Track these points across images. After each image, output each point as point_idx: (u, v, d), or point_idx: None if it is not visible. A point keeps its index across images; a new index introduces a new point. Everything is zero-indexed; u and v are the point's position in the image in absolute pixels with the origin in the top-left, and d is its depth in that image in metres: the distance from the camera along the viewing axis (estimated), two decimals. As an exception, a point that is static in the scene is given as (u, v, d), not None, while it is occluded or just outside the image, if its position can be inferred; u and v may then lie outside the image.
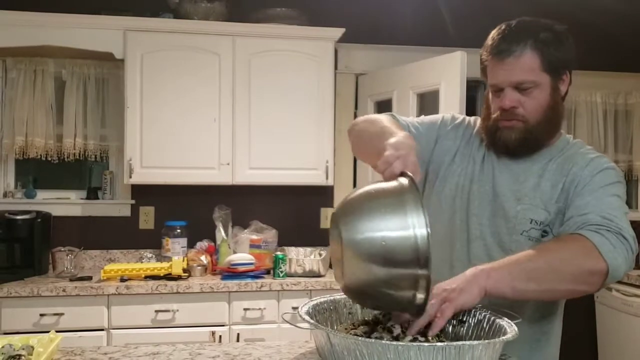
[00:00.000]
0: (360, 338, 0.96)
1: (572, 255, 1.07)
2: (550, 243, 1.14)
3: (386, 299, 0.99)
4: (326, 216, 3.31)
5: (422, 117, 1.43)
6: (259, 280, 2.67)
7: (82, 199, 3.12)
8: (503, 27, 1.21)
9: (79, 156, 3.03)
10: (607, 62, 3.52)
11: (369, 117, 1.44)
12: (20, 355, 1.00)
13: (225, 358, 1.12)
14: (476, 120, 1.37)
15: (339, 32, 2.97)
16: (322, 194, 3.27)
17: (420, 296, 0.96)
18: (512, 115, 1.20)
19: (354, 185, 3.33)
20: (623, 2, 3.43)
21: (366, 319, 1.21)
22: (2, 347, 1.05)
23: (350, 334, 1.08)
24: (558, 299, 1.26)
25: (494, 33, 1.22)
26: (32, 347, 1.05)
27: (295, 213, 3.26)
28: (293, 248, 3.04)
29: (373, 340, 0.96)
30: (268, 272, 2.81)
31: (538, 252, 1.09)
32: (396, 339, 1.03)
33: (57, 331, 1.19)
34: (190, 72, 2.85)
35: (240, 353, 1.16)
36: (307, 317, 1.07)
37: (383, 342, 0.93)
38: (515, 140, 1.22)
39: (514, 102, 1.19)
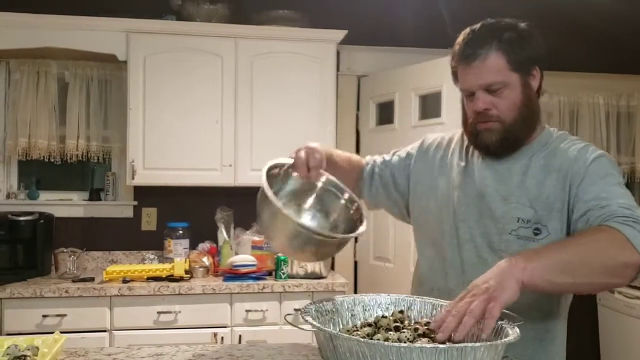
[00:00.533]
0: (362, 339, 0.96)
1: (605, 248, 1.05)
2: (581, 236, 1.10)
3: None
4: (328, 218, 3.31)
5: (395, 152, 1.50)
6: (261, 282, 2.67)
7: (84, 200, 3.13)
8: (467, 31, 1.23)
9: (82, 157, 3.04)
10: (610, 64, 3.52)
11: None
12: (25, 356, 1.00)
13: (228, 359, 1.12)
14: (454, 134, 1.41)
15: (341, 34, 2.98)
16: (324, 196, 3.27)
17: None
18: (487, 117, 1.22)
19: (356, 186, 3.33)
20: (625, 3, 3.43)
21: (368, 320, 1.21)
22: (8, 347, 1.05)
23: (353, 335, 1.08)
24: (593, 292, 1.23)
25: (459, 39, 1.24)
26: (37, 348, 1.06)
27: (297, 214, 3.25)
28: (295, 249, 3.04)
29: (375, 341, 0.96)
30: (270, 274, 2.81)
31: (570, 245, 1.07)
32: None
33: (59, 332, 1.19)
34: (192, 73, 2.86)
35: (244, 354, 1.16)
36: (309, 319, 1.08)
37: (385, 343, 0.94)
38: (495, 141, 1.23)
39: (486, 104, 1.21)
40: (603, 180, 1.17)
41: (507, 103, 1.21)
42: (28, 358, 1.02)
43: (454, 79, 1.28)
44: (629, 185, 3.69)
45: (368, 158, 1.53)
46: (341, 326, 1.22)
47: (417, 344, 0.96)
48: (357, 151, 3.32)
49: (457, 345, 0.92)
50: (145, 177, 2.84)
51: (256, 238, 2.93)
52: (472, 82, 1.21)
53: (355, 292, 3.22)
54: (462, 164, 1.33)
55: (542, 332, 1.27)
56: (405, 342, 1.00)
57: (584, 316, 3.44)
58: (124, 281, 2.61)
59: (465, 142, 1.35)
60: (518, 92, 1.21)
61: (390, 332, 1.08)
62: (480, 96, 1.21)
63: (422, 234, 1.42)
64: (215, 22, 2.93)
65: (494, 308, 0.96)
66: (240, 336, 2.63)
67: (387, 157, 1.49)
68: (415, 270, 1.48)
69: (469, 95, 1.24)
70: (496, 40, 1.19)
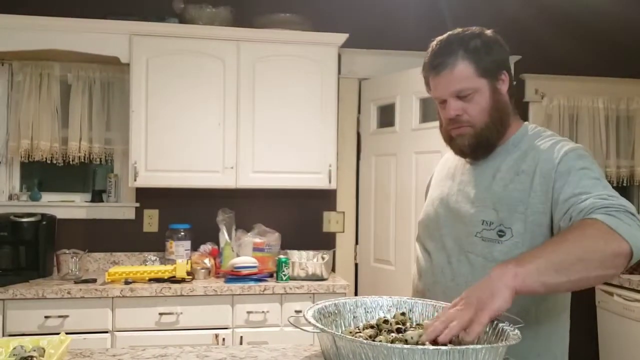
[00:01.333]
0: (365, 341, 0.97)
1: (594, 242, 1.04)
2: (567, 232, 1.08)
3: None
4: (329, 220, 3.33)
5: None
6: (262, 284, 2.69)
7: (86, 201, 3.14)
8: (435, 42, 1.29)
9: (84, 159, 3.05)
10: (609, 68, 3.53)
11: None
12: (32, 357, 1.01)
13: (231, 360, 1.14)
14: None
15: (342, 37, 2.99)
16: (325, 198, 3.29)
17: None
18: (459, 123, 1.28)
19: (357, 189, 3.35)
20: (625, 7, 3.45)
21: (371, 322, 1.22)
22: (14, 348, 1.07)
23: (355, 337, 1.09)
24: (590, 286, 1.17)
25: (428, 50, 1.29)
26: (43, 349, 1.07)
27: (298, 216, 3.27)
28: (296, 251, 3.05)
29: (378, 343, 0.97)
30: (271, 275, 2.83)
31: (559, 244, 1.06)
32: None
33: (62, 333, 1.20)
34: (194, 76, 2.88)
35: (247, 356, 1.17)
36: (312, 320, 1.09)
37: (388, 345, 0.95)
38: (468, 145, 1.29)
39: (457, 110, 1.26)
40: (576, 176, 1.16)
41: (477, 108, 1.26)
42: (35, 359, 1.03)
43: (427, 89, 1.33)
44: (629, 188, 3.70)
45: None
46: (343, 328, 1.23)
47: (420, 346, 0.97)
48: (358, 153, 3.33)
49: (459, 347, 0.93)
50: (147, 178, 2.85)
51: (257, 240, 2.95)
52: (443, 90, 1.27)
53: (356, 294, 3.24)
54: (452, 170, 1.40)
55: (543, 330, 1.26)
56: (412, 341, 1.02)
57: (582, 319, 3.43)
58: (126, 282, 2.62)
59: None
60: (487, 96, 1.26)
61: (393, 334, 1.09)
62: (452, 103, 1.27)
63: (420, 236, 1.47)
64: (217, 25, 2.95)
65: (482, 316, 0.98)
66: (241, 337, 2.64)
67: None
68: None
69: (441, 103, 1.30)
70: (462, 49, 1.25)
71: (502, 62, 1.28)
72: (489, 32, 1.28)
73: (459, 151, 1.32)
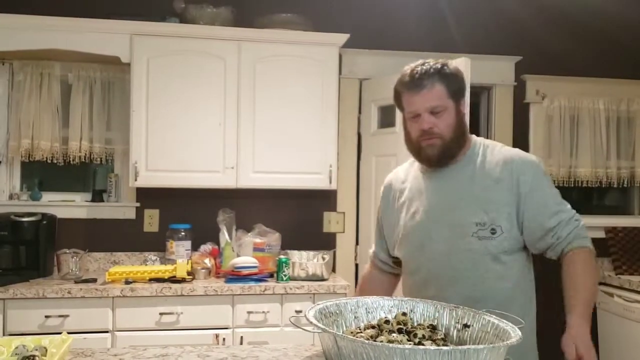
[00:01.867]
0: (367, 341, 0.97)
1: (594, 268, 1.48)
2: (580, 272, 1.44)
3: None
4: (329, 220, 3.33)
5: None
6: (263, 284, 2.69)
7: (87, 201, 3.14)
8: (414, 67, 1.52)
9: (85, 159, 3.05)
10: (610, 69, 3.53)
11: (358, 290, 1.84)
12: (34, 356, 1.02)
13: (233, 360, 1.14)
14: (397, 171, 1.71)
15: (343, 37, 2.99)
16: (325, 198, 3.29)
17: None
18: (430, 134, 1.49)
19: (357, 189, 3.35)
20: (626, 7, 3.45)
21: (372, 322, 1.22)
22: (16, 347, 1.07)
23: (357, 337, 1.09)
24: None
25: (406, 72, 1.52)
26: (45, 348, 1.07)
27: (299, 217, 3.27)
28: (296, 252, 3.05)
29: (380, 343, 0.98)
30: (271, 276, 2.83)
31: (582, 285, 1.42)
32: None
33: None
34: (195, 76, 2.88)
35: (248, 355, 1.17)
36: (314, 320, 1.09)
37: (390, 345, 0.95)
38: (437, 154, 1.51)
39: (430, 123, 1.48)
40: (541, 186, 1.50)
41: (445, 123, 1.49)
42: (37, 358, 1.03)
43: (397, 103, 1.56)
44: (629, 189, 3.71)
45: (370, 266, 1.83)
46: (344, 328, 1.23)
47: (421, 346, 0.97)
48: (359, 153, 3.34)
49: (460, 347, 0.94)
50: (148, 178, 2.85)
51: (258, 240, 2.95)
52: (419, 106, 1.49)
53: (356, 294, 3.23)
54: (414, 186, 1.60)
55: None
56: (423, 341, 1.02)
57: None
58: (127, 282, 2.62)
59: (413, 167, 1.65)
60: (453, 115, 1.51)
61: (394, 334, 1.09)
62: (426, 117, 1.49)
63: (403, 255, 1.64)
64: (218, 25, 2.95)
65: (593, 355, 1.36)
66: (241, 337, 2.64)
67: (374, 243, 1.79)
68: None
69: (414, 117, 1.51)
70: (438, 74, 1.49)
71: (463, 90, 1.56)
72: (452, 64, 1.54)
73: (427, 159, 1.54)
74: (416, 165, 1.64)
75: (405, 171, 1.68)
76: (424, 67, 1.50)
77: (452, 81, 1.51)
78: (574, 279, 1.43)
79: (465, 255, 1.47)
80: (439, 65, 1.51)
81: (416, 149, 1.54)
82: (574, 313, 1.37)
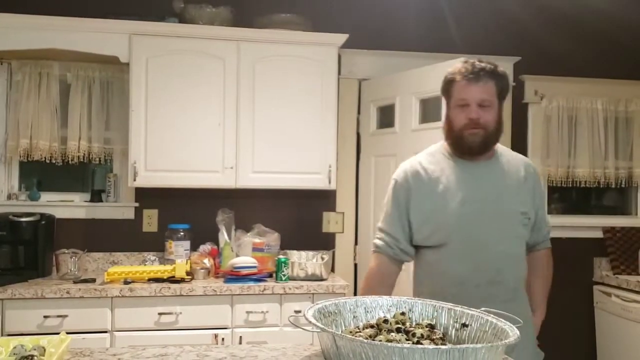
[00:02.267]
0: (366, 340, 0.98)
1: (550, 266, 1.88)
2: (547, 268, 1.87)
3: None
4: (328, 220, 3.33)
5: (386, 210, 1.79)
6: (262, 284, 2.69)
7: (85, 201, 3.14)
8: (473, 60, 1.67)
9: (83, 159, 3.05)
10: (608, 69, 3.54)
11: (368, 286, 1.78)
12: (32, 356, 1.02)
13: (232, 360, 1.14)
14: (418, 161, 1.75)
15: (342, 37, 3.00)
16: (324, 198, 3.29)
17: None
18: (476, 124, 1.62)
19: (357, 189, 3.35)
20: (624, 8, 3.46)
21: (371, 322, 1.22)
22: (14, 347, 1.07)
23: (356, 336, 1.10)
24: None
25: (465, 64, 1.66)
26: (43, 348, 1.07)
27: (298, 217, 3.28)
28: (295, 252, 3.05)
29: (379, 342, 0.98)
30: (270, 276, 2.83)
31: (542, 284, 1.85)
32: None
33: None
34: (194, 76, 2.88)
35: (247, 355, 1.17)
36: (313, 320, 1.09)
37: (388, 344, 0.95)
38: (479, 143, 1.65)
39: (478, 114, 1.62)
40: (541, 193, 1.81)
41: (489, 117, 1.64)
42: (35, 358, 1.03)
43: (446, 89, 1.69)
44: (627, 189, 3.71)
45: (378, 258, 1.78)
46: (343, 327, 1.23)
47: (419, 345, 0.97)
48: (358, 154, 3.34)
49: (458, 346, 0.94)
50: (147, 178, 2.85)
51: (257, 240, 2.95)
52: (473, 96, 1.62)
53: (355, 294, 3.24)
54: (452, 177, 1.68)
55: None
56: (421, 340, 1.02)
57: (580, 319, 3.45)
58: (125, 282, 2.62)
59: (437, 158, 1.73)
60: (496, 111, 1.66)
61: (393, 334, 1.10)
62: (474, 108, 1.62)
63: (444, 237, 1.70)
64: (217, 25, 2.95)
65: None
66: (240, 337, 2.64)
67: (388, 233, 1.75)
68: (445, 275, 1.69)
69: (462, 106, 1.64)
70: (492, 72, 1.65)
71: (507, 92, 1.70)
72: (502, 68, 1.69)
73: (468, 148, 1.66)
74: (440, 156, 1.73)
75: (431, 161, 1.73)
76: (482, 64, 1.65)
77: (502, 82, 1.66)
78: (546, 276, 1.84)
79: (515, 241, 1.68)
80: (493, 66, 1.67)
81: (457, 137, 1.66)
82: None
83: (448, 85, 1.68)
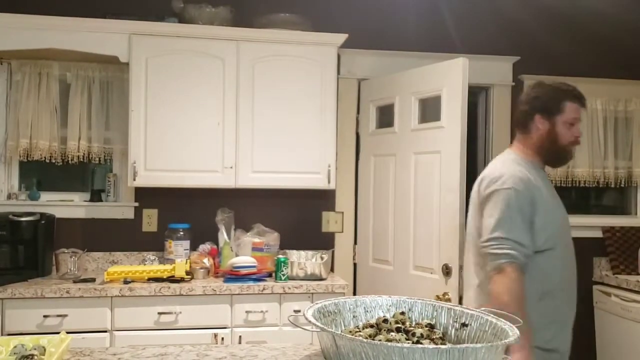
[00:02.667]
0: (365, 340, 0.98)
1: None
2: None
3: None
4: (328, 220, 3.33)
5: (506, 218, 1.77)
6: (261, 283, 2.69)
7: (85, 201, 3.14)
8: (574, 85, 1.90)
9: (83, 159, 3.05)
10: (608, 69, 3.54)
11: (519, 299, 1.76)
12: (32, 355, 1.02)
13: (232, 359, 1.14)
14: (518, 169, 1.82)
15: (342, 37, 3.00)
16: (324, 198, 3.30)
17: None
18: (579, 142, 1.89)
19: (356, 189, 3.35)
20: (624, 8, 3.46)
21: (370, 321, 1.23)
22: (14, 347, 1.07)
23: (355, 336, 1.10)
24: None
25: (574, 87, 1.89)
26: (43, 347, 1.07)
27: (298, 216, 3.28)
28: (295, 251, 3.06)
29: (379, 342, 0.98)
30: (270, 275, 2.83)
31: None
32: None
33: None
34: (194, 76, 2.88)
35: (247, 354, 1.17)
36: (312, 320, 1.09)
37: (388, 344, 0.95)
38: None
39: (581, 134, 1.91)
40: None
41: None
42: (35, 357, 1.03)
43: (557, 106, 1.85)
44: (626, 189, 3.72)
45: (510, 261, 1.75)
46: (343, 327, 1.23)
47: (419, 345, 0.98)
48: (357, 153, 3.34)
49: (458, 346, 0.94)
50: (147, 178, 2.85)
51: (256, 240, 2.95)
52: (580, 118, 1.88)
53: (355, 294, 3.24)
54: (544, 186, 1.85)
55: None
56: (421, 339, 1.02)
57: (580, 319, 3.44)
58: (125, 282, 2.62)
59: (523, 167, 1.85)
60: None
61: (392, 333, 1.10)
62: (579, 128, 1.87)
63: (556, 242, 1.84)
64: (217, 24, 2.95)
65: None
66: (240, 337, 2.64)
67: (517, 242, 1.74)
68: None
69: (573, 124, 1.85)
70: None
71: None
72: None
73: (565, 161, 1.94)
74: (527, 165, 1.85)
75: (528, 170, 1.85)
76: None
77: None
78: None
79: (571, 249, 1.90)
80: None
81: (561, 150, 1.87)
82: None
83: (559, 101, 1.84)
